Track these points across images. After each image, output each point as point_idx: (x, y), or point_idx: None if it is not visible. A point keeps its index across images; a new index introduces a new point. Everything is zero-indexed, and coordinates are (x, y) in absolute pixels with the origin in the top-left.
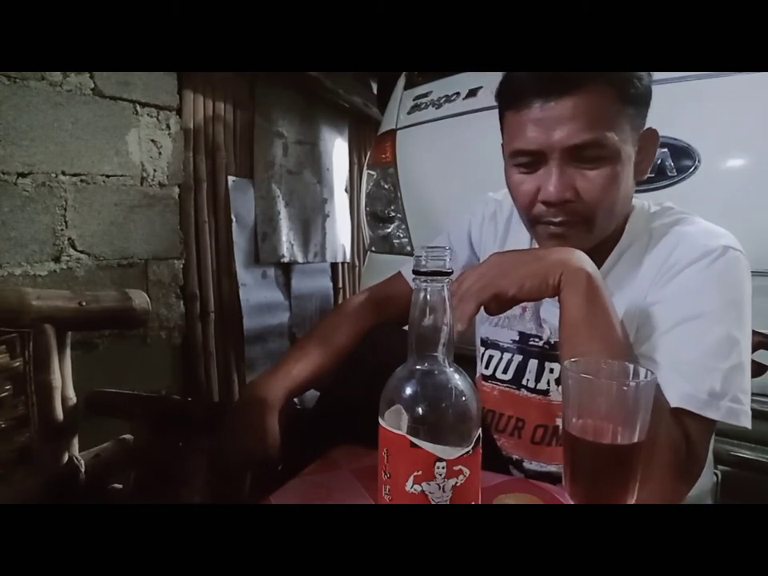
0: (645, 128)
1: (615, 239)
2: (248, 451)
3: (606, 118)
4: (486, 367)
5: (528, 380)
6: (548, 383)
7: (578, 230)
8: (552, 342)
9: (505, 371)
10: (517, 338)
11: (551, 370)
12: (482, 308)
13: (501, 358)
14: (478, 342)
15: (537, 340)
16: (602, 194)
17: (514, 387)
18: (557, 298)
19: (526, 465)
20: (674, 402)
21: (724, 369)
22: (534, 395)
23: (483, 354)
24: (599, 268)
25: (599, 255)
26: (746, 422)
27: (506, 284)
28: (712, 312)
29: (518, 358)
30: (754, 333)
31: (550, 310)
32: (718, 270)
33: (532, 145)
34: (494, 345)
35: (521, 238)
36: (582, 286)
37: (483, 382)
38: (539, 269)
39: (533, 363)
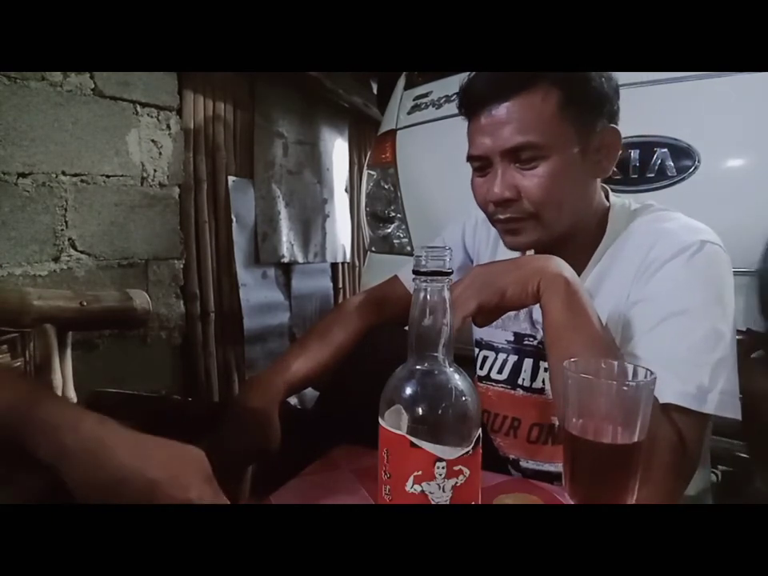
0: (605, 127)
1: (597, 238)
2: (249, 445)
3: (541, 120)
4: (481, 368)
5: (524, 379)
6: (543, 382)
7: (527, 225)
8: None
9: (500, 371)
10: (511, 339)
11: (546, 369)
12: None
13: (495, 359)
14: (473, 344)
15: (531, 339)
16: (542, 192)
17: (509, 387)
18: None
19: (523, 464)
20: (663, 399)
21: (711, 362)
22: (529, 394)
23: (478, 355)
24: (583, 267)
25: (582, 255)
26: (736, 414)
27: (488, 295)
28: (694, 307)
29: (513, 358)
30: (753, 332)
31: None
32: (697, 265)
33: (478, 150)
34: (488, 346)
35: None
36: (560, 291)
37: (478, 383)
38: (518, 277)
39: (528, 362)
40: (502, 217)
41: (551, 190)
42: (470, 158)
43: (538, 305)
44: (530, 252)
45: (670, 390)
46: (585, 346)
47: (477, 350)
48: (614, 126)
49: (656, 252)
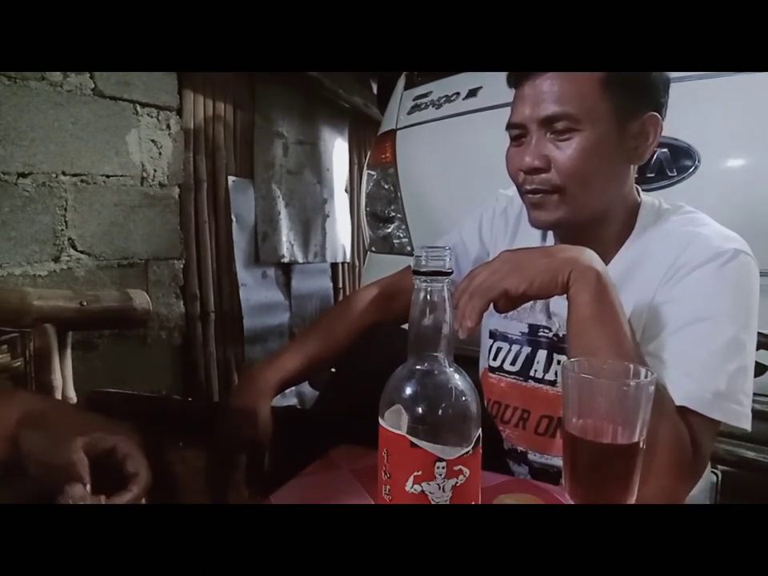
0: (647, 113)
1: (625, 233)
2: (240, 432)
3: (580, 92)
4: (494, 359)
5: (536, 371)
6: (555, 374)
7: (552, 199)
8: (560, 335)
9: (513, 363)
10: (526, 330)
11: (559, 362)
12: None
13: (509, 350)
14: (486, 335)
15: (546, 331)
16: (571, 164)
17: (521, 378)
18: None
19: (531, 456)
20: (679, 401)
21: (730, 371)
22: (541, 385)
23: (491, 346)
24: (608, 261)
25: (608, 248)
26: (747, 424)
27: (517, 281)
28: (722, 314)
29: (527, 349)
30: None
31: (559, 302)
32: (729, 273)
33: (516, 118)
34: (502, 337)
35: (530, 234)
36: (591, 284)
37: (490, 374)
38: (549, 266)
39: (541, 354)
40: (529, 187)
41: (580, 164)
42: (509, 126)
43: (556, 297)
44: (550, 241)
45: (687, 393)
46: (609, 343)
47: (491, 341)
48: (656, 113)
49: (687, 256)
